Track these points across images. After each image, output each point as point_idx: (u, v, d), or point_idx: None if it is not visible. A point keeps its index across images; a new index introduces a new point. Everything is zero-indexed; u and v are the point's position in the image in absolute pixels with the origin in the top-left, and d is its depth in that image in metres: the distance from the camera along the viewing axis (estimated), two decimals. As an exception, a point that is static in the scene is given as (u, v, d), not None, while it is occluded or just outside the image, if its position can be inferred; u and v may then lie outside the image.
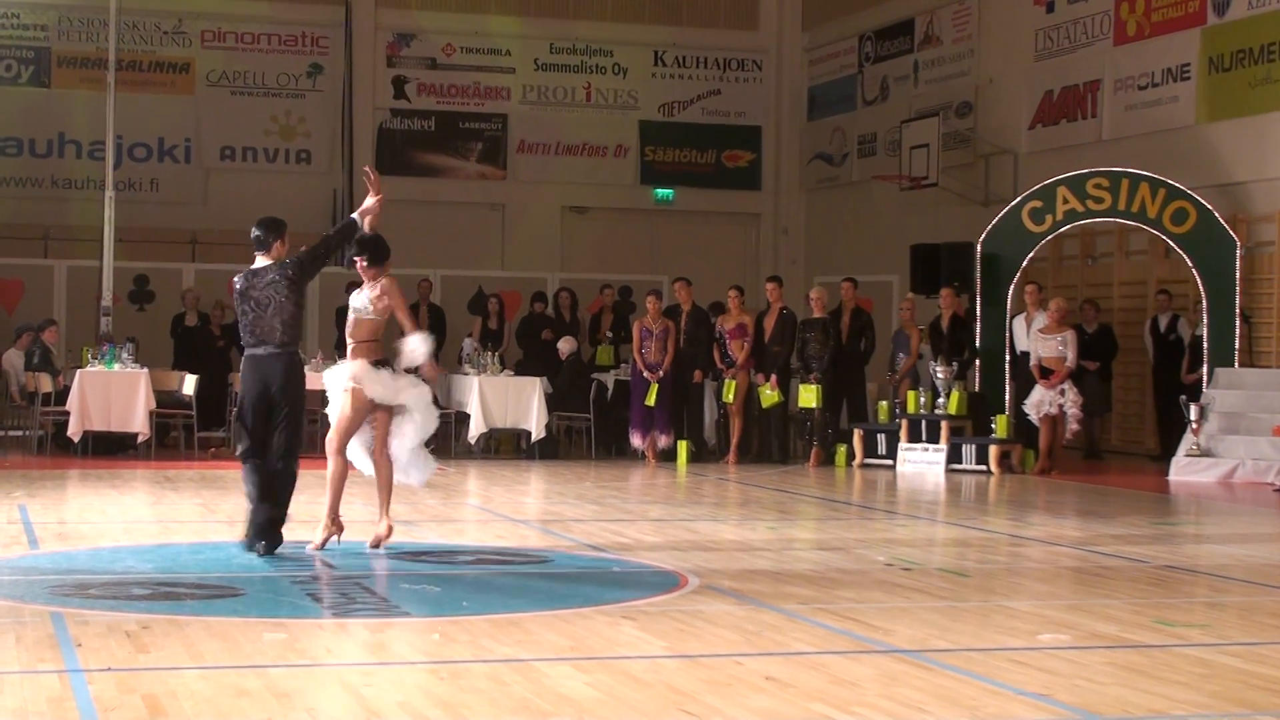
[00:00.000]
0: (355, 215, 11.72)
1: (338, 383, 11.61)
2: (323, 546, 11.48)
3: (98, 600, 9.37)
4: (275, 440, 11.26)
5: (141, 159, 28.51)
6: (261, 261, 11.36)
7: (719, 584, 10.25)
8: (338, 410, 11.59)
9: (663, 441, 20.58)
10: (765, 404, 20.53)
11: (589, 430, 21.65)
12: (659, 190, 30.99)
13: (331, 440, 11.56)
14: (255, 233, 11.45)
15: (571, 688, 7.23)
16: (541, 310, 23.81)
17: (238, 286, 11.33)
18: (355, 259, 11.81)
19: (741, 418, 20.67)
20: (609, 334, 23.60)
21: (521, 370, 21.54)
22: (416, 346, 11.64)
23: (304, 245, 12.03)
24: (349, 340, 11.81)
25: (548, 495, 16.56)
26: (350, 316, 11.79)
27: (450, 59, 30.13)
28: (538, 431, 20.46)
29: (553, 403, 20.78)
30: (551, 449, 20.89)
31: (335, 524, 11.57)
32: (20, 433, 21.40)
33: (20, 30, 28.27)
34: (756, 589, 10.06)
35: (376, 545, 11.59)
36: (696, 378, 21.03)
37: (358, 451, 11.66)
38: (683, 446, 20.59)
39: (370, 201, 11.71)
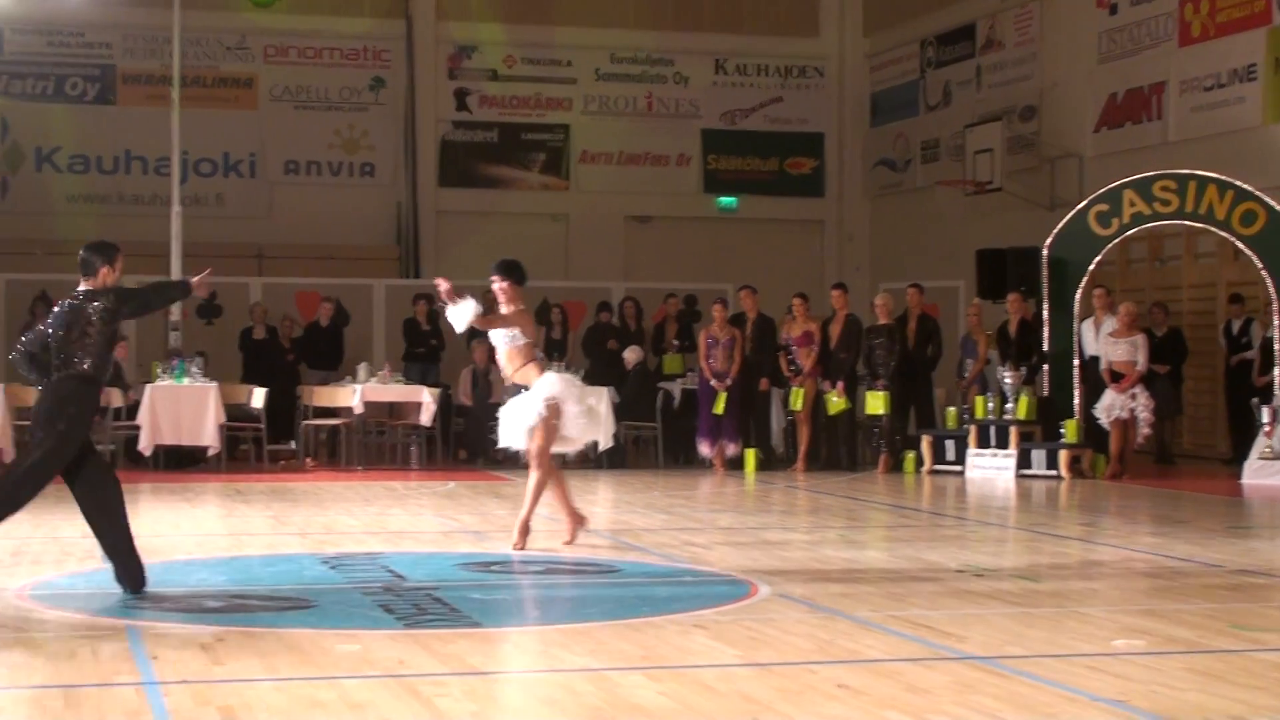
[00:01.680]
0: (189, 281, 11.33)
1: (531, 402, 12.24)
2: (572, 540, 12.50)
3: (172, 613, 9.41)
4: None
5: (207, 174, 28.70)
6: (84, 286, 10.39)
7: (790, 592, 10.22)
8: (532, 426, 12.25)
9: (730, 450, 20.55)
10: (832, 411, 20.49)
11: (656, 439, 21.64)
12: (722, 199, 30.97)
13: (539, 452, 12.26)
14: (81, 254, 10.46)
15: (644, 697, 7.21)
16: (607, 320, 23.81)
17: (55, 309, 10.43)
18: (494, 279, 12.39)
19: (809, 425, 20.62)
20: (675, 343, 23.58)
21: (588, 380, 21.46)
22: (464, 312, 12.11)
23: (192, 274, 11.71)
24: (508, 366, 12.42)
25: (616, 504, 16.55)
26: (503, 348, 12.38)
27: (511, 70, 30.20)
28: (605, 441, 20.40)
29: (620, 412, 20.76)
30: (619, 458, 20.89)
31: (576, 518, 12.58)
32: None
33: (86, 49, 28.50)
34: (828, 596, 10.02)
35: (571, 540, 12.53)
36: (763, 386, 21.02)
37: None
38: (750, 455, 20.56)
39: (206, 275, 11.41)
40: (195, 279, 11.03)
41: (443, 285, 12.25)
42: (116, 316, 10.31)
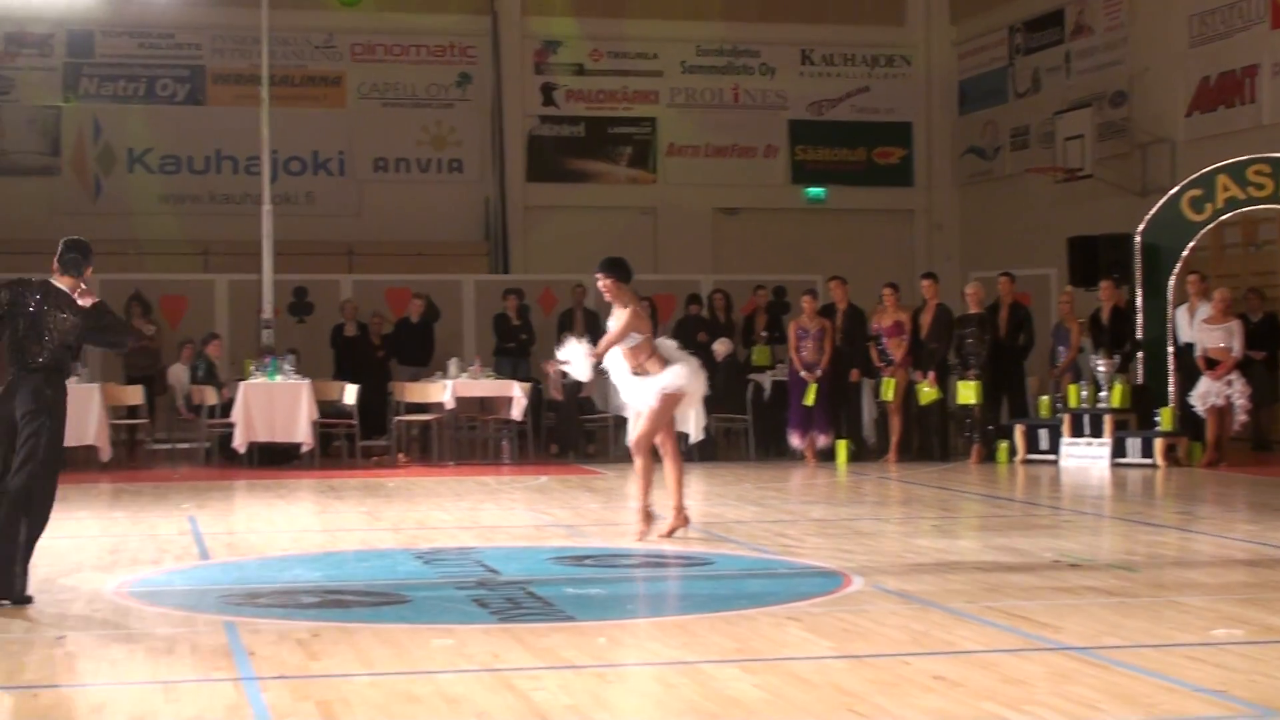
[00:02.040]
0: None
1: (648, 389, 12.27)
2: (645, 537, 12.33)
3: (268, 609, 9.48)
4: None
5: (297, 173, 28.87)
6: (60, 282, 10.25)
7: (884, 583, 10.18)
8: (643, 414, 12.33)
9: (822, 441, 20.50)
10: (924, 401, 20.39)
11: (747, 431, 21.61)
12: (810, 189, 30.87)
13: (642, 439, 12.32)
14: (70, 254, 10.28)
15: (739, 689, 7.20)
16: (696, 312, 23.79)
17: (30, 306, 10.12)
18: (598, 277, 12.46)
19: (901, 416, 20.54)
20: (764, 334, 23.53)
21: (678, 373, 21.50)
22: (578, 358, 12.32)
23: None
24: (630, 361, 12.39)
25: (708, 497, 16.53)
26: (625, 348, 12.33)
27: (597, 64, 30.22)
28: (695, 434, 20.41)
29: (710, 405, 20.72)
30: (710, 451, 20.87)
31: (681, 515, 12.55)
32: (187, 445, 21.77)
33: (175, 50, 28.74)
34: (922, 588, 9.97)
35: (670, 534, 12.49)
36: (853, 377, 20.95)
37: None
38: (842, 446, 20.50)
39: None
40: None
41: (550, 371, 12.63)
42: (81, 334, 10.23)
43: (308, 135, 28.74)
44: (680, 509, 12.62)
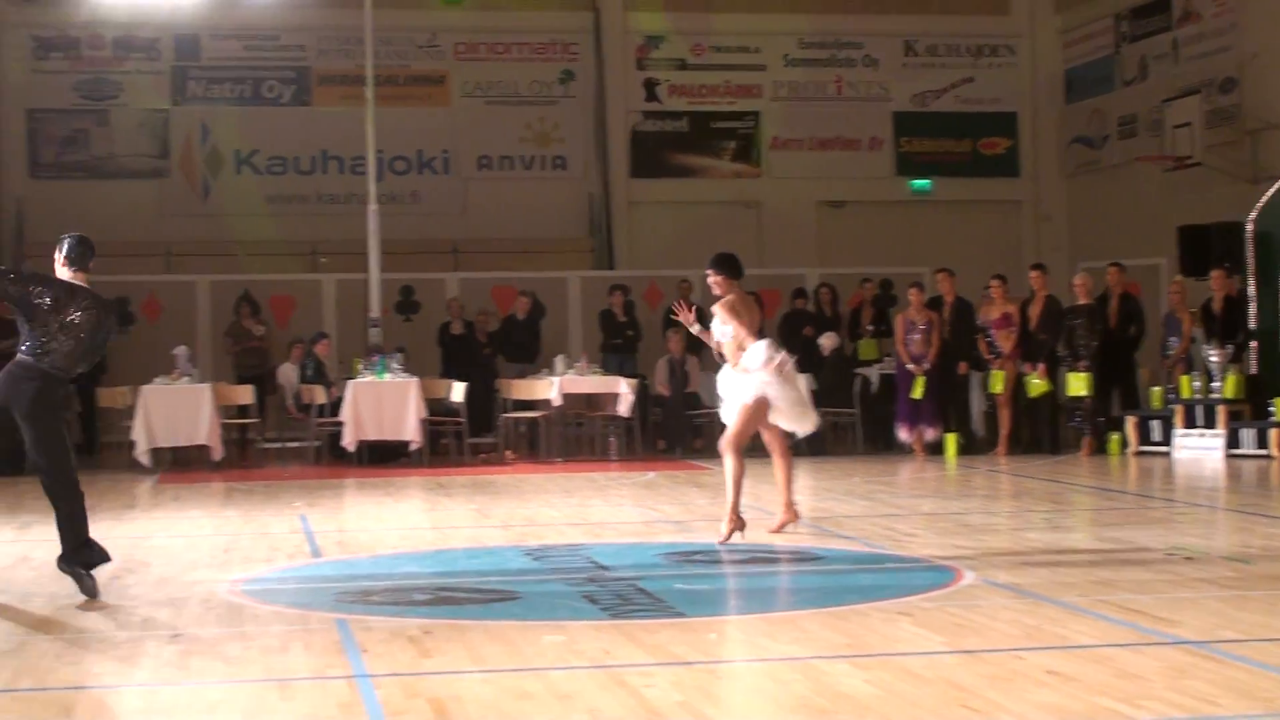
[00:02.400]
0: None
1: (743, 388, 12.11)
2: (727, 540, 11.96)
3: (380, 606, 9.54)
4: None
5: (402, 172, 29.03)
6: (71, 276, 10.25)
7: (995, 577, 10.10)
8: (736, 413, 12.17)
9: (930, 434, 20.40)
10: (1033, 393, 20.24)
11: (855, 425, 21.53)
12: (915, 181, 30.70)
13: (731, 440, 12.11)
14: (79, 249, 10.26)
15: (851, 685, 7.16)
16: (802, 306, 23.73)
17: (47, 300, 10.02)
18: (710, 271, 12.30)
19: (1010, 408, 20.39)
20: (870, 328, 23.43)
21: (784, 367, 21.49)
22: (758, 357, 12.08)
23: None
24: (725, 357, 12.32)
25: (816, 492, 16.48)
26: (726, 343, 12.23)
27: (700, 59, 30.19)
28: (805, 429, 20.33)
29: (817, 399, 20.64)
30: (818, 445, 20.79)
31: (737, 520, 12.05)
32: (297, 444, 21.96)
33: (281, 52, 28.96)
34: (1034, 582, 9.88)
35: (780, 529, 12.44)
36: (962, 369, 20.83)
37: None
38: (951, 439, 20.38)
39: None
40: None
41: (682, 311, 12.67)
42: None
43: (412, 134, 28.88)
44: (790, 504, 12.56)
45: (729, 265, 12.32)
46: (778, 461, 12.54)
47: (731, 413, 12.27)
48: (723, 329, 12.18)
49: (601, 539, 12.78)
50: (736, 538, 11.99)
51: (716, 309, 12.23)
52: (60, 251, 10.27)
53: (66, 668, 7.94)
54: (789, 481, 12.58)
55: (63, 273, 10.23)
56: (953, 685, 7.12)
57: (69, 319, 10.02)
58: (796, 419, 12.39)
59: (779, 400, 12.14)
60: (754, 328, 12.20)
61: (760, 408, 12.11)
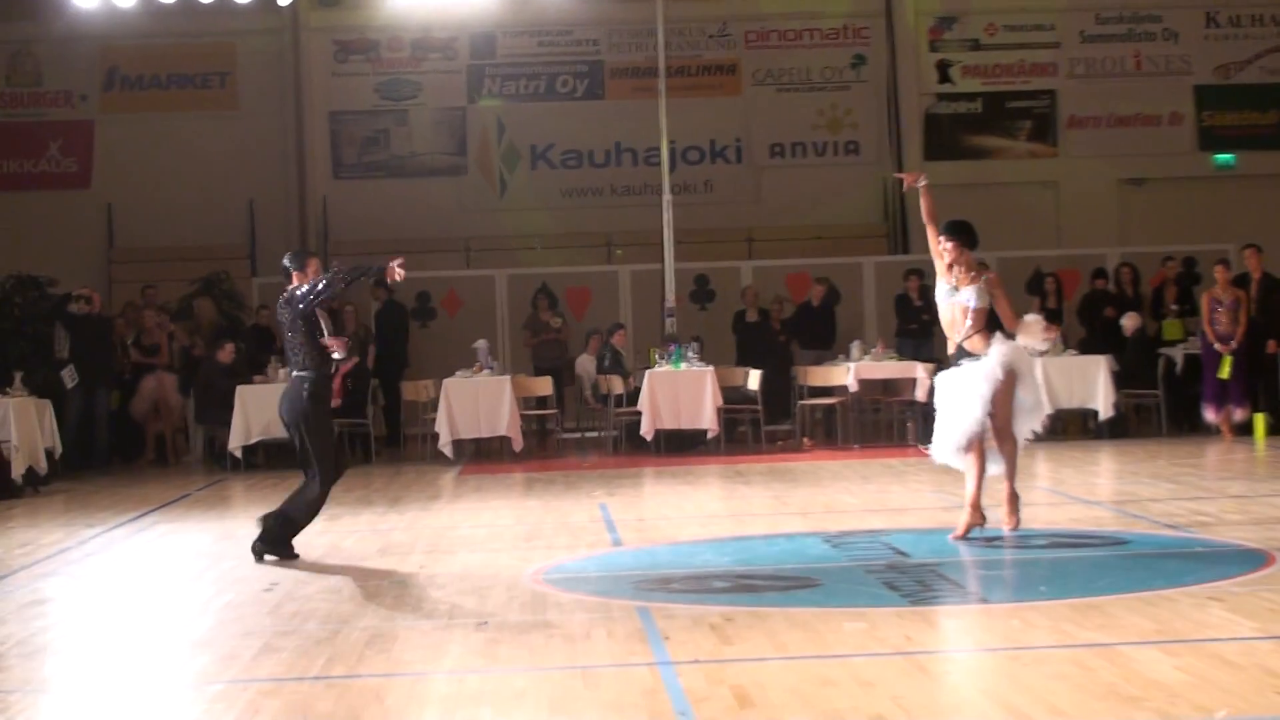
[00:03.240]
0: (384, 267, 11.70)
1: (978, 375, 11.48)
2: (964, 535, 11.42)
3: (680, 594, 9.60)
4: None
5: (695, 162, 29.15)
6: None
7: (1310, 561, 9.81)
8: (996, 400, 11.48)
9: (1238, 415, 19.85)
10: (1347, 371, 19.60)
11: (1159, 407, 21.07)
12: (1219, 156, 29.86)
13: (1006, 427, 11.57)
14: (284, 262, 12.09)
15: (1160, 672, 7.01)
16: (1103, 286, 23.28)
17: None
18: (945, 238, 11.76)
19: (1322, 387, 19.78)
20: (1174, 307, 22.89)
21: (1085, 349, 21.17)
22: (1035, 335, 11.66)
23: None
24: (956, 331, 11.66)
25: (1119, 475, 16.16)
26: (954, 312, 11.64)
27: (993, 38, 29.76)
28: (1105, 410, 20.03)
29: (1120, 381, 20.32)
30: (1121, 428, 20.40)
31: (977, 513, 11.47)
32: (596, 433, 22.22)
33: (574, 46, 29.29)
34: (1352, 565, 9.58)
35: (964, 534, 11.46)
36: (1270, 348, 20.23)
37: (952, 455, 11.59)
38: (1260, 419, 19.81)
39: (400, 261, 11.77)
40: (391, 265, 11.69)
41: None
42: (294, 310, 11.73)
43: (704, 124, 28.97)
44: (977, 506, 11.53)
45: (965, 232, 11.90)
46: (1001, 455, 11.66)
47: (975, 407, 11.44)
48: (970, 297, 11.57)
49: (901, 525, 12.69)
50: (975, 531, 11.43)
51: (981, 282, 11.61)
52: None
53: (377, 655, 8.14)
54: (981, 483, 11.55)
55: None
56: (1267, 672, 6.93)
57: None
58: (1031, 410, 11.75)
59: (1028, 379, 11.65)
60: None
61: (1010, 387, 11.47)
